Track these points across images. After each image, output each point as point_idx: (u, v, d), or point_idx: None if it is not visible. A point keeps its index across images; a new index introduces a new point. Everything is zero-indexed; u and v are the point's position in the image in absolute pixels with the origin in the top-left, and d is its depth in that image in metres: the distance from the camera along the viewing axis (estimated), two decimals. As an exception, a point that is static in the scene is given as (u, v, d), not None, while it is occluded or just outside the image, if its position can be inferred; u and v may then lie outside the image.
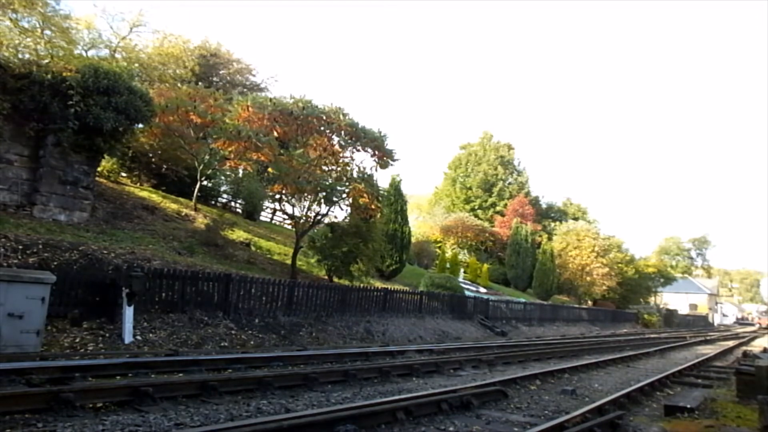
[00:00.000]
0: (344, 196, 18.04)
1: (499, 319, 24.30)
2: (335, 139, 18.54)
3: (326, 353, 10.84)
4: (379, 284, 20.57)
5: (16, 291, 8.06)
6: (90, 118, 13.56)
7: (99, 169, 17.02)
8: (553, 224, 52.28)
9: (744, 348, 21.58)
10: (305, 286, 15.14)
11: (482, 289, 31.54)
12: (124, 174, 22.08)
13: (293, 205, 18.64)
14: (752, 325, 71.59)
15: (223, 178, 26.02)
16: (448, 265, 33.64)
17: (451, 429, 5.80)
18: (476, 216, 50.58)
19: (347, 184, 17.89)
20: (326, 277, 19.45)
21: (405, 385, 8.34)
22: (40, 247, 10.73)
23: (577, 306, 39.21)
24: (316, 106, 17.63)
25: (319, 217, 18.64)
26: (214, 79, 30.67)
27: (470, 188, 56.06)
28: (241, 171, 23.76)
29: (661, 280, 56.08)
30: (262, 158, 17.75)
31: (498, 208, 53.08)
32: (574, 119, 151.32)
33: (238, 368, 8.53)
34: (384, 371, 8.90)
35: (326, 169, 18.62)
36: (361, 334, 15.34)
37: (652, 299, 58.86)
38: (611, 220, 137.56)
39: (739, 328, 57.42)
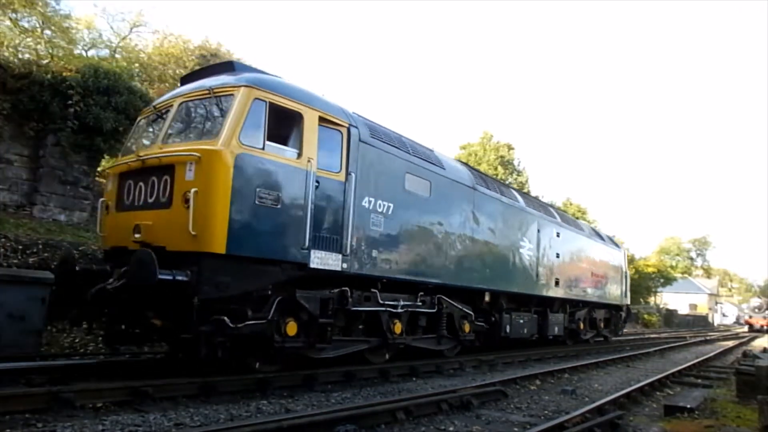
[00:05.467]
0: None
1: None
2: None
3: (326, 353, 10.81)
4: (379, 284, 20.48)
5: (16, 291, 8.06)
6: (90, 118, 13.58)
7: (99, 169, 17.02)
8: (553, 224, 52.17)
9: (744, 348, 21.57)
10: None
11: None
12: (124, 174, 22.08)
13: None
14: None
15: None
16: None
17: (451, 429, 5.80)
18: (476, 216, 50.47)
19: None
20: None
21: (405, 385, 8.33)
22: (40, 247, 10.74)
23: (577, 306, 39.08)
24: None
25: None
26: (214, 79, 30.67)
27: (470, 188, 56.03)
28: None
29: (661, 280, 56.03)
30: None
31: (498, 208, 53.01)
32: (574, 119, 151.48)
33: (238, 368, 8.52)
34: (384, 371, 8.89)
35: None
36: (361, 334, 15.31)
37: (652, 299, 58.79)
38: (611, 220, 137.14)
39: (738, 328, 57.30)
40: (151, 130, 7.94)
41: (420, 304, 9.48)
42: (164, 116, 7.48)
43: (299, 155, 7.15)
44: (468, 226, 10.70)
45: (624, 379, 10.44)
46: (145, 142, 7.87)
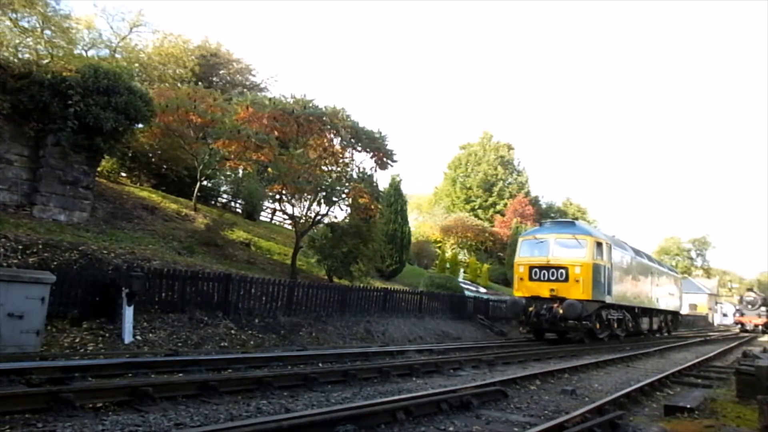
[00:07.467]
0: (344, 196, 18.05)
1: (498, 319, 24.29)
2: (335, 139, 18.55)
3: (326, 353, 10.84)
4: (379, 284, 20.56)
5: (16, 291, 8.06)
6: (90, 118, 13.56)
7: (99, 169, 17.02)
8: (553, 224, 52.13)
9: (744, 348, 21.58)
10: (305, 286, 15.14)
11: (482, 289, 31.51)
12: (124, 174, 22.08)
13: (293, 205, 18.65)
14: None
15: (223, 178, 26.03)
16: (447, 265, 33.64)
17: (450, 429, 5.79)
18: (476, 216, 50.54)
19: (347, 184, 17.89)
20: (326, 277, 19.45)
21: (405, 385, 8.33)
22: (40, 247, 10.73)
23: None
24: (316, 107, 17.63)
25: (319, 217, 18.64)
26: (214, 79, 30.69)
27: (470, 188, 56.06)
28: (241, 171, 23.78)
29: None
30: (262, 158, 17.75)
31: (498, 208, 53.07)
32: (573, 119, 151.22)
33: (238, 368, 8.53)
34: (384, 371, 8.90)
35: (326, 169, 18.63)
36: (360, 334, 15.34)
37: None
38: (611, 220, 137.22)
39: (738, 328, 57.18)
40: (533, 247, 18.57)
41: (620, 314, 19.95)
42: (542, 242, 18.27)
43: (601, 258, 17.98)
44: (633, 275, 21.61)
45: (624, 379, 10.44)
46: (535, 253, 18.37)
